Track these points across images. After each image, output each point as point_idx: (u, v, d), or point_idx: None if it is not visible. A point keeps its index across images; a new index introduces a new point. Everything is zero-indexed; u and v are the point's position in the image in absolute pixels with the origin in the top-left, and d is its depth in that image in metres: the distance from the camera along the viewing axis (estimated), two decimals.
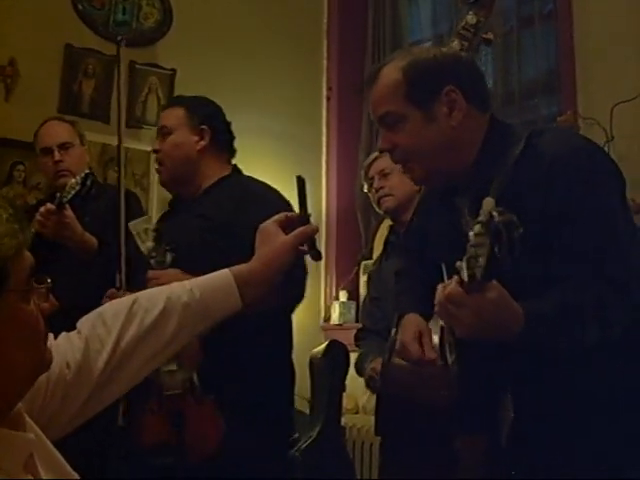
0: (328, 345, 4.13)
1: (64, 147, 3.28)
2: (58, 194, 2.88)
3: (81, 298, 2.71)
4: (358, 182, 5.57)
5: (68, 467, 1.13)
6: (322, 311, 5.54)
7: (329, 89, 5.82)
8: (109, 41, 4.94)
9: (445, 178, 1.76)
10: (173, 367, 2.29)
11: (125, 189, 3.39)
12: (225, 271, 1.38)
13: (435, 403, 1.88)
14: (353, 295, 5.29)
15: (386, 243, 3.32)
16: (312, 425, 3.92)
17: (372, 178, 3.25)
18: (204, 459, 2.25)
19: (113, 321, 1.28)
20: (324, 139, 5.81)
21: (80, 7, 4.87)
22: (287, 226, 1.45)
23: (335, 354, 4.03)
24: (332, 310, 5.36)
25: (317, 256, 1.49)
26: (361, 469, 4.24)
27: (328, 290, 5.56)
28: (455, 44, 2.38)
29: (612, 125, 3.53)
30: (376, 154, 3.44)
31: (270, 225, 1.45)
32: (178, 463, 2.26)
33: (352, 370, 3.41)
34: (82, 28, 4.87)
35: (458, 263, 1.34)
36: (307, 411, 4.15)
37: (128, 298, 1.32)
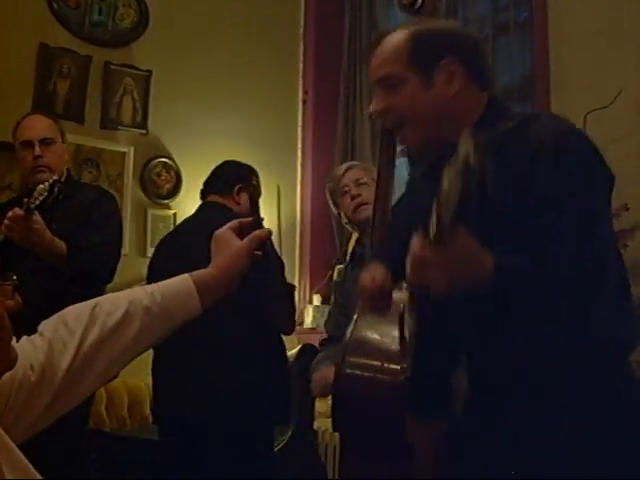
0: (301, 349, 4.13)
1: (45, 142, 3.16)
2: (25, 199, 2.80)
3: (48, 300, 2.72)
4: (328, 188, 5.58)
5: (32, 469, 1.12)
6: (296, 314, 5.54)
7: (305, 93, 5.83)
8: (84, 41, 4.93)
9: (437, 148, 1.77)
10: None
11: (100, 189, 3.36)
12: (185, 276, 1.41)
13: (389, 395, 1.92)
14: (327, 299, 5.29)
15: (352, 253, 3.29)
16: (284, 428, 3.92)
17: (346, 186, 3.19)
18: None
19: (75, 323, 1.28)
20: (299, 143, 5.81)
21: (55, 6, 4.84)
22: (241, 232, 1.49)
23: (308, 358, 4.02)
24: (306, 314, 5.37)
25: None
26: (333, 472, 4.24)
27: (302, 294, 5.57)
28: None
29: (586, 132, 3.56)
30: (349, 163, 3.43)
31: (225, 232, 1.50)
32: None
33: None
34: (57, 28, 4.85)
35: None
36: None
37: (89, 302, 1.33)
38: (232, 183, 3.23)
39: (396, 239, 2.01)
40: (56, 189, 2.78)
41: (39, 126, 3.21)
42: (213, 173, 3.40)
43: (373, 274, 1.92)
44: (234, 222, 1.52)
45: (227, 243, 1.47)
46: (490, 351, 1.66)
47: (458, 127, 1.71)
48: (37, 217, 2.80)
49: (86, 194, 3.25)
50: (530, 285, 1.53)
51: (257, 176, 3.13)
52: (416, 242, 1.42)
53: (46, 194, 2.77)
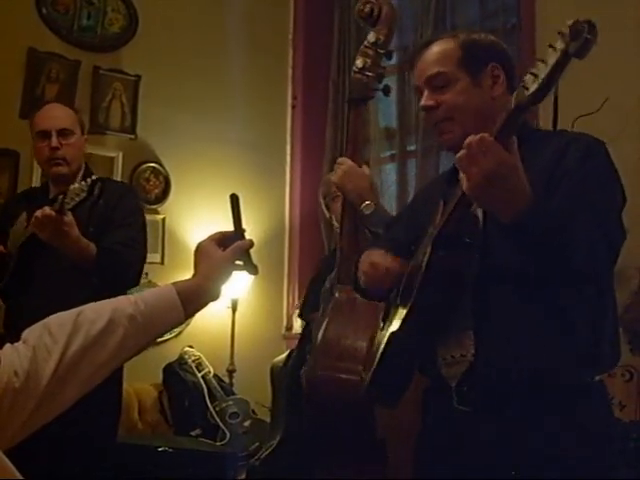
0: (289, 354, 4.13)
1: (63, 134, 2.98)
2: (60, 197, 2.66)
3: (68, 301, 2.65)
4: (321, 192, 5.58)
5: (18, 474, 1.12)
6: (284, 320, 5.54)
7: (294, 98, 5.84)
8: (73, 46, 4.93)
9: None
10: None
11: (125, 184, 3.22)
12: (168, 286, 1.43)
13: (358, 395, 1.95)
14: None
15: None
16: (273, 434, 3.91)
17: (337, 191, 3.22)
18: None
19: (59, 331, 1.29)
20: (288, 147, 5.81)
21: (44, 11, 4.84)
22: (223, 243, 1.52)
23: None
24: (294, 319, 5.37)
25: (254, 270, 1.56)
26: None
27: (290, 299, 5.57)
28: (359, 62, 2.60)
29: None
30: None
31: (207, 243, 1.52)
32: None
33: None
34: (46, 32, 4.85)
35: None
36: (268, 419, 4.15)
37: (73, 310, 1.34)
38: None
39: (402, 227, 2.09)
40: (96, 190, 2.71)
41: (57, 115, 3.04)
42: None
43: (371, 259, 1.95)
44: (216, 233, 1.54)
45: (209, 253, 1.49)
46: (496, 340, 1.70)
47: (493, 128, 1.79)
48: (69, 218, 2.67)
49: (112, 191, 3.06)
50: (561, 225, 1.55)
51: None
52: (482, 134, 1.47)
53: (84, 195, 2.68)
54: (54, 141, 2.96)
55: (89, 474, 2.78)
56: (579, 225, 1.56)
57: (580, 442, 1.64)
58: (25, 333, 1.30)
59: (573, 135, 1.85)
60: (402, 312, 1.74)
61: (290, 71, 5.89)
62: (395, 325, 1.76)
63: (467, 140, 1.48)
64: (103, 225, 2.94)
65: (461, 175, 1.51)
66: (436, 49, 1.90)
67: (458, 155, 1.50)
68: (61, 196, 2.68)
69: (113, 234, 2.92)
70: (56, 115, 3.04)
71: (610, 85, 3.82)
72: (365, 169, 2.70)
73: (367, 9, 2.62)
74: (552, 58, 1.34)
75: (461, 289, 1.70)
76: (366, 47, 2.60)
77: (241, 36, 5.56)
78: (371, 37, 2.61)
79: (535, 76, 1.35)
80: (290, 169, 5.77)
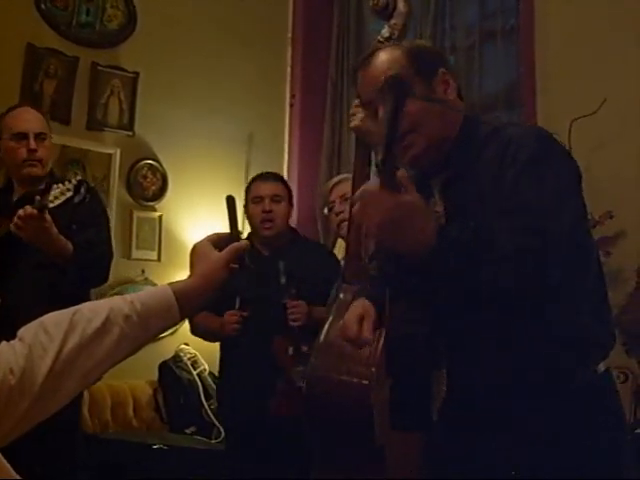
0: None
1: (40, 137, 3.07)
2: (38, 197, 2.69)
3: (46, 299, 2.69)
4: (319, 189, 5.58)
5: (12, 472, 1.13)
6: None
7: (292, 96, 5.84)
8: (72, 42, 4.92)
9: (433, 157, 1.80)
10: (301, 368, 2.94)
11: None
12: (165, 286, 1.44)
13: (358, 397, 1.94)
14: None
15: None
16: None
17: (332, 202, 3.27)
18: None
19: (55, 329, 1.29)
20: (286, 146, 5.81)
21: (43, 7, 4.83)
22: (219, 244, 1.52)
23: None
24: None
25: (249, 272, 1.56)
26: None
27: None
28: None
29: (571, 139, 3.58)
30: (339, 177, 3.47)
31: (203, 244, 1.53)
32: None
33: None
34: (44, 28, 4.84)
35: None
36: None
37: (69, 309, 1.34)
38: None
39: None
40: (83, 190, 2.75)
41: (34, 119, 3.13)
42: None
43: (360, 315, 1.87)
44: (212, 235, 1.55)
45: (206, 255, 1.50)
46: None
47: (450, 133, 1.76)
48: (48, 215, 2.72)
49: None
50: (469, 261, 1.48)
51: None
52: (367, 184, 1.44)
53: (70, 194, 2.73)
54: (32, 143, 3.04)
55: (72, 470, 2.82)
56: (504, 240, 1.49)
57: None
58: (21, 331, 1.30)
59: (515, 133, 1.70)
60: None
61: (289, 69, 5.89)
62: None
63: (357, 194, 1.45)
64: (68, 224, 2.99)
65: (433, 208, 1.49)
66: (384, 57, 1.80)
67: (354, 210, 1.47)
68: (38, 197, 2.70)
69: (86, 232, 3.01)
70: (33, 118, 3.13)
71: (610, 85, 3.82)
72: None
73: (383, 1, 2.58)
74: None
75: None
76: (379, 42, 2.51)
77: (239, 34, 5.55)
78: (385, 32, 2.57)
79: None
80: (288, 167, 5.77)
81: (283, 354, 3.20)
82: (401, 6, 2.56)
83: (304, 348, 3.10)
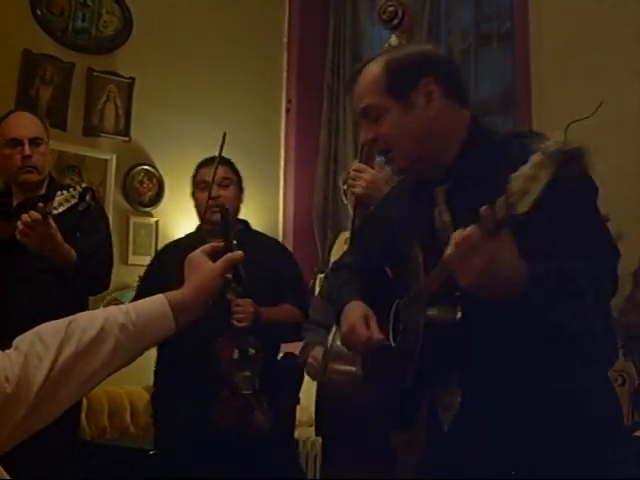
0: (282, 358, 4.12)
1: (35, 142, 3.03)
2: (41, 204, 2.68)
3: (44, 306, 2.68)
4: (315, 194, 5.59)
5: (4, 473, 1.13)
6: None
7: (289, 101, 5.84)
8: (68, 48, 4.92)
9: (425, 169, 1.79)
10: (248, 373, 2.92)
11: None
12: (160, 296, 1.44)
13: (370, 401, 1.93)
14: None
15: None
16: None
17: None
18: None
19: (51, 339, 1.29)
20: (282, 151, 5.82)
21: (39, 13, 4.83)
22: (213, 255, 1.55)
23: (290, 367, 4.01)
24: None
25: (242, 282, 1.63)
26: None
27: None
28: None
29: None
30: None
31: (198, 254, 1.55)
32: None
33: (306, 383, 3.40)
34: (40, 34, 4.84)
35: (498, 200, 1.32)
36: None
37: (65, 319, 1.35)
38: None
39: (357, 269, 2.02)
40: (88, 197, 2.74)
41: (30, 124, 3.09)
42: None
43: (363, 317, 1.85)
44: (207, 246, 1.57)
45: (200, 265, 1.52)
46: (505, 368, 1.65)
47: (444, 145, 1.75)
48: (52, 222, 2.70)
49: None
50: (557, 294, 1.50)
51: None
52: (470, 229, 1.38)
53: (75, 201, 2.71)
54: (27, 149, 3.01)
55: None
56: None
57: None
58: (16, 340, 1.30)
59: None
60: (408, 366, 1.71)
61: (285, 74, 5.90)
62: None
63: (455, 239, 1.41)
64: (86, 231, 3.01)
65: (440, 218, 1.44)
66: (364, 78, 1.80)
67: (447, 254, 1.42)
68: (41, 203, 2.70)
69: (89, 239, 3.01)
70: (28, 124, 3.09)
71: (606, 88, 3.83)
72: (385, 174, 2.67)
73: (392, 9, 2.63)
74: (543, 175, 1.27)
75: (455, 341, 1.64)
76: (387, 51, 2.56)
77: (236, 39, 5.56)
78: (394, 40, 2.63)
79: (525, 193, 1.27)
80: (284, 172, 5.77)
81: (227, 357, 2.94)
82: (409, 15, 2.63)
83: (252, 351, 2.95)
